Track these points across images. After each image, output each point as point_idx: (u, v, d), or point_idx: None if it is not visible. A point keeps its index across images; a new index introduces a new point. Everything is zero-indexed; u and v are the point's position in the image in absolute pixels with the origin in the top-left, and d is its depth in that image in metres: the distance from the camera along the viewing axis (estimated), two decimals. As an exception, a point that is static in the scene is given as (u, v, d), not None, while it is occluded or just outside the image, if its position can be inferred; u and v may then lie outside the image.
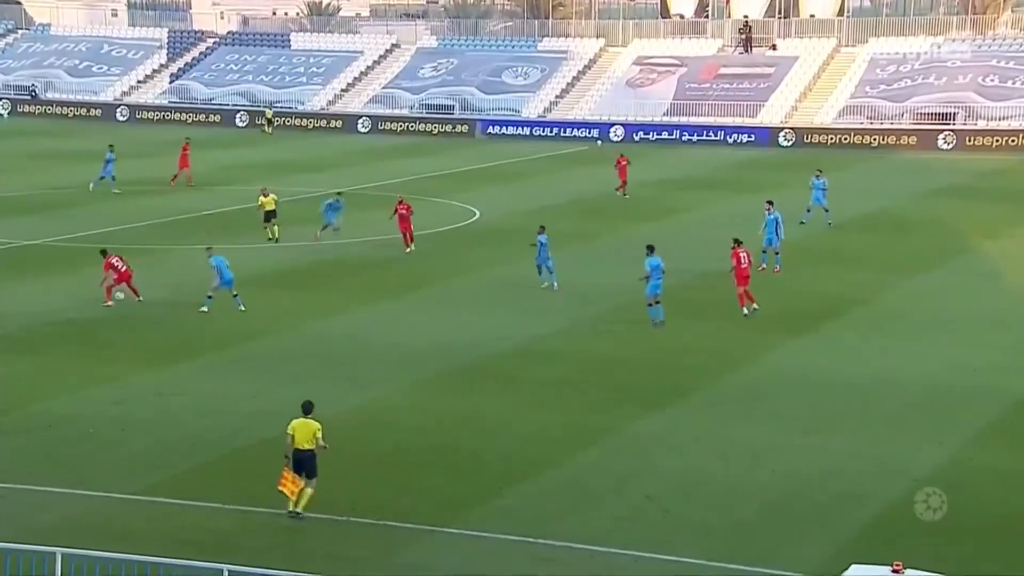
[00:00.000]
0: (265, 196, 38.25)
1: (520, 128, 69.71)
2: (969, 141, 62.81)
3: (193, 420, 22.19)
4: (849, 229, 40.80)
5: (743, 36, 73.08)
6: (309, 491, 17.74)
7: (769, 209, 34.10)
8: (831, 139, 64.79)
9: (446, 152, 62.33)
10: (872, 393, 23.85)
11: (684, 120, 67.89)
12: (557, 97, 72.50)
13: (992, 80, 65.86)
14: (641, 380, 24.62)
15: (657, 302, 28.15)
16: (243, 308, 29.24)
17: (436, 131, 70.35)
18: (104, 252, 30.24)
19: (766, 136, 65.73)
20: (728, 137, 66.08)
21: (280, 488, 17.72)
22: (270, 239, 37.82)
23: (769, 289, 31.68)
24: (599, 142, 66.36)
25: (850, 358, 26.18)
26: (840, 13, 73.87)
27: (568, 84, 73.53)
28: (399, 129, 70.86)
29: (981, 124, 63.84)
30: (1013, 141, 62.30)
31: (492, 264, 35.37)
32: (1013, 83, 65.47)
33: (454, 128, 70.42)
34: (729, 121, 67.24)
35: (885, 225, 41.55)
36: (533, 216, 42.18)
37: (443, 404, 23.13)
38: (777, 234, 33.73)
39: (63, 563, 14.62)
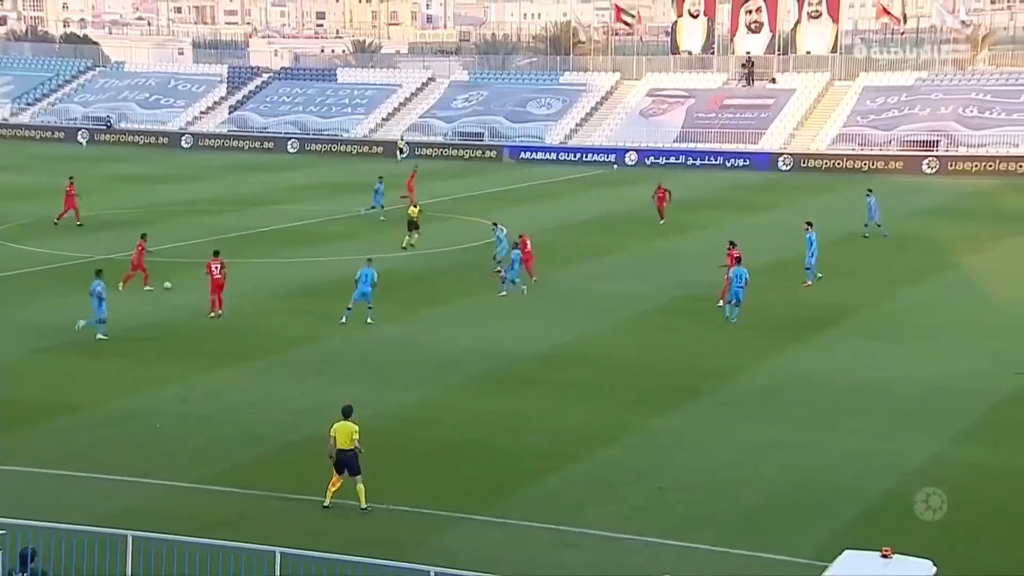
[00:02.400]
0: (414, 207, 39.15)
1: (543, 153, 69.60)
2: (951, 166, 62.25)
3: (248, 417, 22.11)
4: (845, 244, 40.41)
5: (746, 70, 72.82)
6: (360, 486, 17.56)
7: (808, 229, 33.86)
8: (826, 164, 64.34)
9: (476, 175, 62.25)
10: (868, 395, 23.54)
11: (692, 146, 67.58)
12: (577, 125, 72.36)
13: (972, 111, 65.30)
14: (658, 382, 24.40)
15: (737, 305, 28.75)
16: (370, 321, 28.66)
17: (467, 156, 70.32)
18: (216, 253, 30.14)
19: (766, 161, 65.34)
20: (732, 162, 65.74)
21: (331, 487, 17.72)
22: (403, 247, 38.20)
23: (775, 299, 31.42)
24: (615, 166, 66.26)
25: (848, 363, 25.87)
26: (834, 50, 73.47)
27: (587, 114, 73.39)
28: (434, 154, 70.77)
29: (962, 151, 63.24)
30: (990, 166, 61.71)
31: (519, 276, 35.18)
32: (991, 113, 64.89)
33: (483, 154, 70.33)
34: (733, 147, 66.89)
35: (878, 241, 41.12)
36: (556, 233, 42.01)
37: (477, 404, 22.97)
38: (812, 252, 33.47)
39: (133, 545, 14.54)
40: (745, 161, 65.52)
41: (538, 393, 23.63)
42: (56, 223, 43.17)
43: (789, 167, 64.54)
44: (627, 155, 67.42)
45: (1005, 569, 15.96)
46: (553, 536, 16.89)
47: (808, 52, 73.76)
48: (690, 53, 76.59)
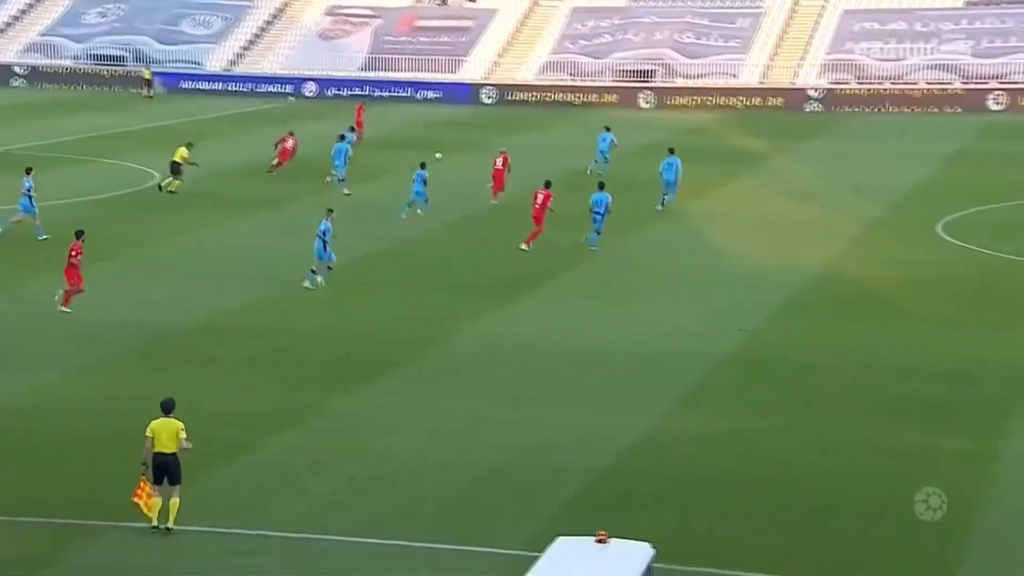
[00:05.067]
0: (187, 148, 39.90)
1: (204, 83, 67.93)
2: (669, 100, 65.77)
3: None
4: (560, 189, 41.75)
5: (441, -13, 73.76)
6: (175, 500, 16.78)
7: (669, 156, 39.06)
8: (534, 96, 66.38)
9: (119, 109, 59.93)
10: (583, 362, 24.61)
11: (381, 76, 67.95)
12: (243, 49, 71.05)
13: (688, 37, 69.10)
14: (346, 354, 24.55)
15: (597, 232, 33.05)
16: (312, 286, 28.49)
17: (106, 87, 67.66)
18: (79, 234, 27.21)
19: (467, 93, 66.66)
20: (427, 93, 66.59)
21: (135, 500, 16.61)
22: (162, 189, 39.23)
23: (480, 255, 32.15)
24: (291, 98, 65.61)
25: (562, 326, 26.91)
26: (539, -37, 75.44)
27: (255, 35, 72.18)
28: (63, 83, 67.71)
29: (680, 82, 66.90)
30: (709, 100, 65.65)
31: (172, 232, 34.30)
32: (707, 40, 68.85)
33: (127, 82, 67.77)
34: (429, 77, 67.76)
35: (590, 184, 42.77)
36: (219, 179, 41.19)
37: (124, 387, 22.40)
38: (676, 179, 38.85)
39: None
40: (443, 93, 66.51)
41: (198, 373, 23.27)
42: None
43: (493, 100, 66.10)
44: (305, 85, 67.00)
45: (727, 545, 17.12)
46: (222, 541, 16.76)
47: (510, -35, 75.38)
48: (376, -36, 76.57)
